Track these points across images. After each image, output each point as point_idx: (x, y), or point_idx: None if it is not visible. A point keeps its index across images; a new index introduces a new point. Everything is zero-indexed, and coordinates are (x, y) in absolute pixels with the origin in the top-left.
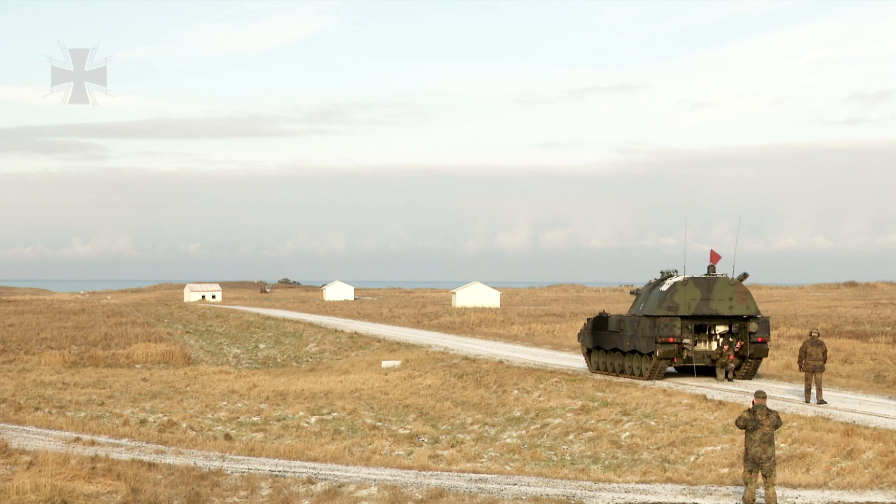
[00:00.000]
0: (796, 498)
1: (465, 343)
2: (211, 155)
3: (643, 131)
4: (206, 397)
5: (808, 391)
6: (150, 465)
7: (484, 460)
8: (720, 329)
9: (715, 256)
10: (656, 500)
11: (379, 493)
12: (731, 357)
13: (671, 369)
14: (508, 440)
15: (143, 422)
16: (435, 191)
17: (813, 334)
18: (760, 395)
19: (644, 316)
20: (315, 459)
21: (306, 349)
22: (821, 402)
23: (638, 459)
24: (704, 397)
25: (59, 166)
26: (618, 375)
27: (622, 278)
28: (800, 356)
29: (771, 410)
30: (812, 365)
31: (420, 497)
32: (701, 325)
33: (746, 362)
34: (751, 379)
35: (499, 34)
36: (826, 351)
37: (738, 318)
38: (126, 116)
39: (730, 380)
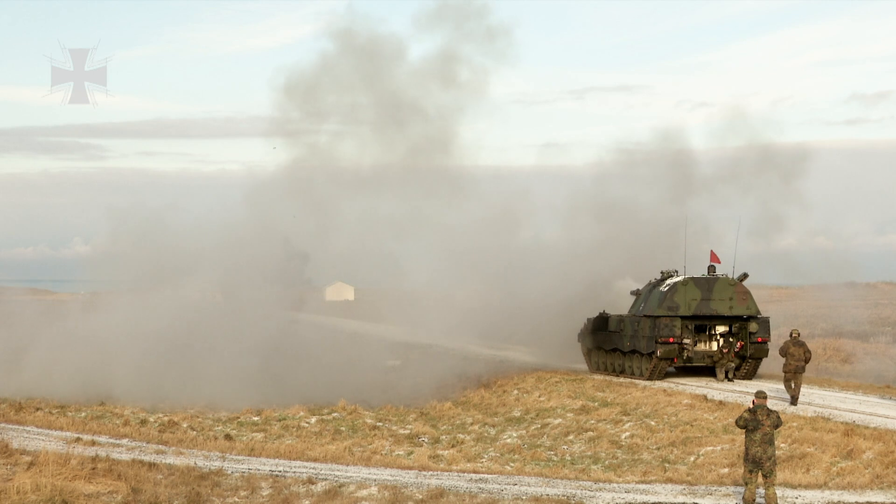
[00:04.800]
0: (796, 498)
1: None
2: (211, 155)
3: (643, 131)
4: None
5: (788, 391)
6: (151, 466)
7: (484, 460)
8: (720, 329)
9: (715, 257)
10: (656, 500)
11: (379, 493)
12: (727, 351)
13: (671, 369)
14: (508, 440)
15: (143, 422)
16: None
17: (793, 334)
18: (761, 395)
19: (644, 316)
20: (315, 459)
21: None
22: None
23: (638, 459)
24: (704, 397)
25: (59, 166)
26: (618, 375)
27: None
28: (782, 356)
29: (771, 410)
30: (794, 365)
31: (420, 497)
32: (701, 325)
33: (746, 362)
34: (751, 379)
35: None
36: (808, 351)
37: (739, 318)
38: (126, 116)
39: (730, 380)
